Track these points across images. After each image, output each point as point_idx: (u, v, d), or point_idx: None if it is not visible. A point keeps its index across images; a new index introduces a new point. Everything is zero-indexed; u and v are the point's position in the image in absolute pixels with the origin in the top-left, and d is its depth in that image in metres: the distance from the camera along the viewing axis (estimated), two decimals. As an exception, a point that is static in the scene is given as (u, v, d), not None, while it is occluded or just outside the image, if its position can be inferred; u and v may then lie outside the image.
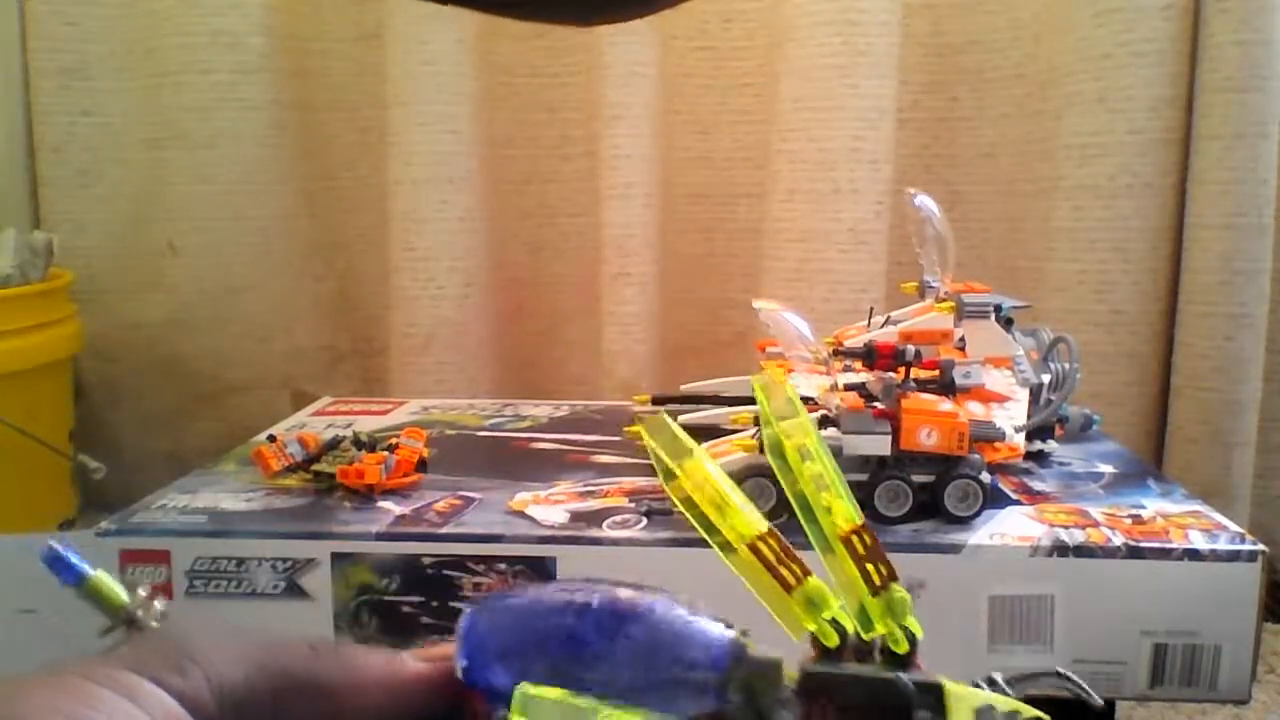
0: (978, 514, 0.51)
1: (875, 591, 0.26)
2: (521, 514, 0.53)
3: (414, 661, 0.27)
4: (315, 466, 0.58)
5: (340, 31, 0.98)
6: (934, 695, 0.24)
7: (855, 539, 0.26)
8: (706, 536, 0.27)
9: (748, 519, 0.27)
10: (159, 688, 0.23)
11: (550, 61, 0.96)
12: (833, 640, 0.25)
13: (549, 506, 0.54)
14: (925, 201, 0.63)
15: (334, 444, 0.61)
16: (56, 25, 0.96)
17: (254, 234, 0.98)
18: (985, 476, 0.51)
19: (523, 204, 0.99)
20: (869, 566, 0.26)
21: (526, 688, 0.23)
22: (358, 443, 0.61)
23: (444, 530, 0.51)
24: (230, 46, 0.95)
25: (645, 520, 0.52)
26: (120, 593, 0.27)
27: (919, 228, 0.63)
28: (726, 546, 0.27)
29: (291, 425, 0.71)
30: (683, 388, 0.66)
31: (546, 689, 0.23)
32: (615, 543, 0.50)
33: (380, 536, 0.51)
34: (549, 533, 0.51)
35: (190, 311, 0.98)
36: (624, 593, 0.25)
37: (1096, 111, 0.83)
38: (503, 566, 0.50)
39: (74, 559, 0.27)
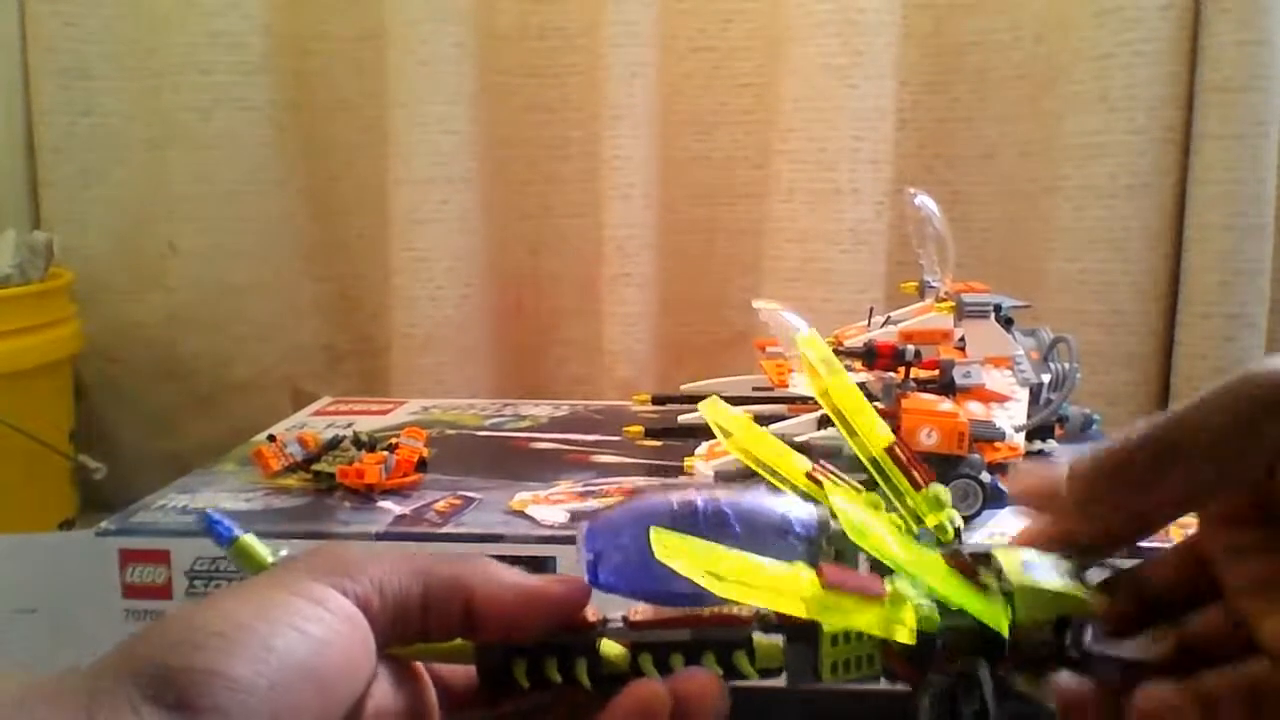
0: (977, 514, 0.51)
1: (919, 488, 0.31)
2: (521, 514, 0.53)
3: (545, 579, 0.30)
4: (315, 466, 0.58)
5: (341, 32, 0.98)
6: (988, 558, 0.30)
7: (896, 449, 0.32)
8: (849, 439, 0.32)
9: (883, 429, 0.32)
10: (337, 591, 0.26)
11: (550, 62, 0.96)
12: (949, 537, 0.30)
13: (549, 506, 0.54)
14: (925, 201, 0.63)
15: (334, 444, 0.61)
16: (56, 25, 0.96)
17: (254, 234, 0.98)
18: (985, 476, 0.51)
19: (523, 204, 0.99)
20: (912, 471, 0.32)
21: (659, 531, 0.26)
22: (358, 442, 0.61)
23: (444, 530, 0.51)
24: (230, 47, 0.95)
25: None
26: (265, 555, 0.31)
27: (919, 228, 0.63)
28: (864, 448, 0.32)
29: (291, 425, 0.71)
30: (683, 387, 0.66)
31: (677, 535, 0.26)
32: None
33: (380, 536, 0.51)
34: (549, 532, 0.51)
35: (190, 311, 0.98)
36: (721, 491, 0.29)
37: (1097, 111, 0.83)
38: (503, 566, 0.50)
39: (226, 522, 0.31)
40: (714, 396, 0.34)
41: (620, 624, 0.30)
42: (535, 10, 0.95)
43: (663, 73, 0.93)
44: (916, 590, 0.28)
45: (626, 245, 0.92)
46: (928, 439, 0.51)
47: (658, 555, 0.26)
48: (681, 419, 0.62)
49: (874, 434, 0.32)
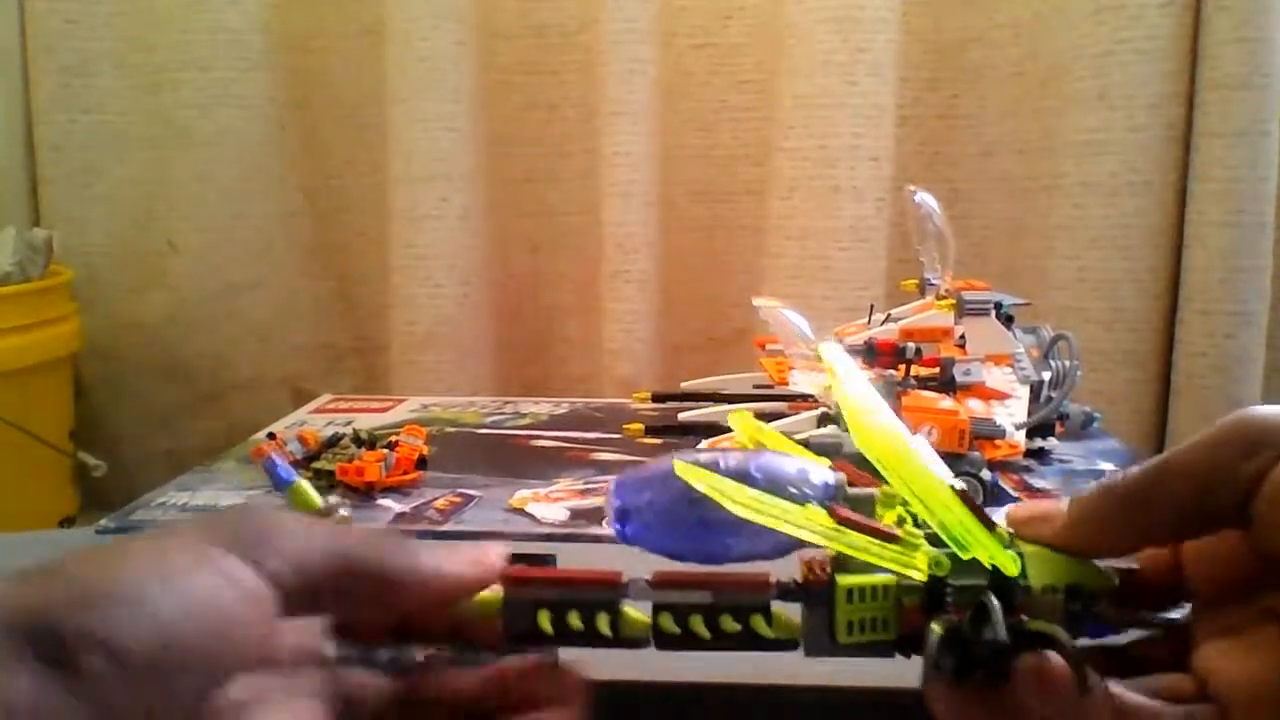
0: (978, 511, 0.51)
1: (991, 529, 0.30)
2: (521, 511, 0.53)
3: (466, 564, 0.30)
4: (315, 464, 0.58)
5: (340, 29, 0.98)
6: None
7: (964, 497, 0.31)
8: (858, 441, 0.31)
9: (901, 430, 0.31)
10: (246, 564, 0.26)
11: (550, 59, 0.96)
12: (1013, 569, 0.30)
13: (549, 504, 0.54)
14: (925, 199, 0.63)
15: (334, 441, 0.61)
16: (56, 23, 0.96)
17: (254, 232, 0.98)
18: (986, 474, 0.51)
19: (523, 202, 0.98)
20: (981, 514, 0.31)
21: (684, 461, 0.27)
22: (357, 440, 0.61)
23: (444, 528, 0.51)
24: (230, 44, 0.95)
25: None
26: (316, 499, 0.33)
27: (919, 225, 0.63)
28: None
29: (291, 423, 0.71)
30: (683, 385, 0.66)
31: (699, 469, 0.27)
32: (615, 542, 0.50)
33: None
34: (549, 530, 0.51)
35: (190, 310, 0.98)
36: (741, 453, 0.30)
37: (1097, 109, 0.83)
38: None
39: (285, 466, 0.33)
40: (743, 410, 0.35)
41: (643, 583, 0.30)
42: (535, 8, 0.95)
43: (663, 70, 0.93)
44: (934, 539, 0.29)
45: (626, 243, 0.92)
46: (928, 436, 0.51)
47: (678, 471, 0.27)
48: (682, 416, 0.62)
49: (887, 434, 0.31)
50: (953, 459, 0.51)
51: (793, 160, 0.89)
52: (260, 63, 0.96)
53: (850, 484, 0.31)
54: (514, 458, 0.63)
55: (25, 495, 0.85)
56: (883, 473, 0.29)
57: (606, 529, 0.52)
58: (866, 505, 0.30)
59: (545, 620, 0.30)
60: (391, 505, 0.54)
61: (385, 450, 0.58)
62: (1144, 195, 0.83)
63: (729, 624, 0.29)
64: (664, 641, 0.30)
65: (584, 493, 0.56)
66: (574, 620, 0.30)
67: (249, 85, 0.96)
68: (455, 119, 0.92)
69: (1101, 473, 0.59)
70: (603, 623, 0.30)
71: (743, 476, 0.29)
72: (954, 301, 0.60)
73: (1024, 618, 0.28)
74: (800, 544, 0.29)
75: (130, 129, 0.98)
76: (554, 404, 0.77)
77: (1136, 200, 0.83)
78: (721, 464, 0.29)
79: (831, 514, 0.28)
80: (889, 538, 0.29)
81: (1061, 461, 0.61)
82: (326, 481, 0.57)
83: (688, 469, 0.27)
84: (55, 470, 0.89)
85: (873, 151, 0.87)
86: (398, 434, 0.61)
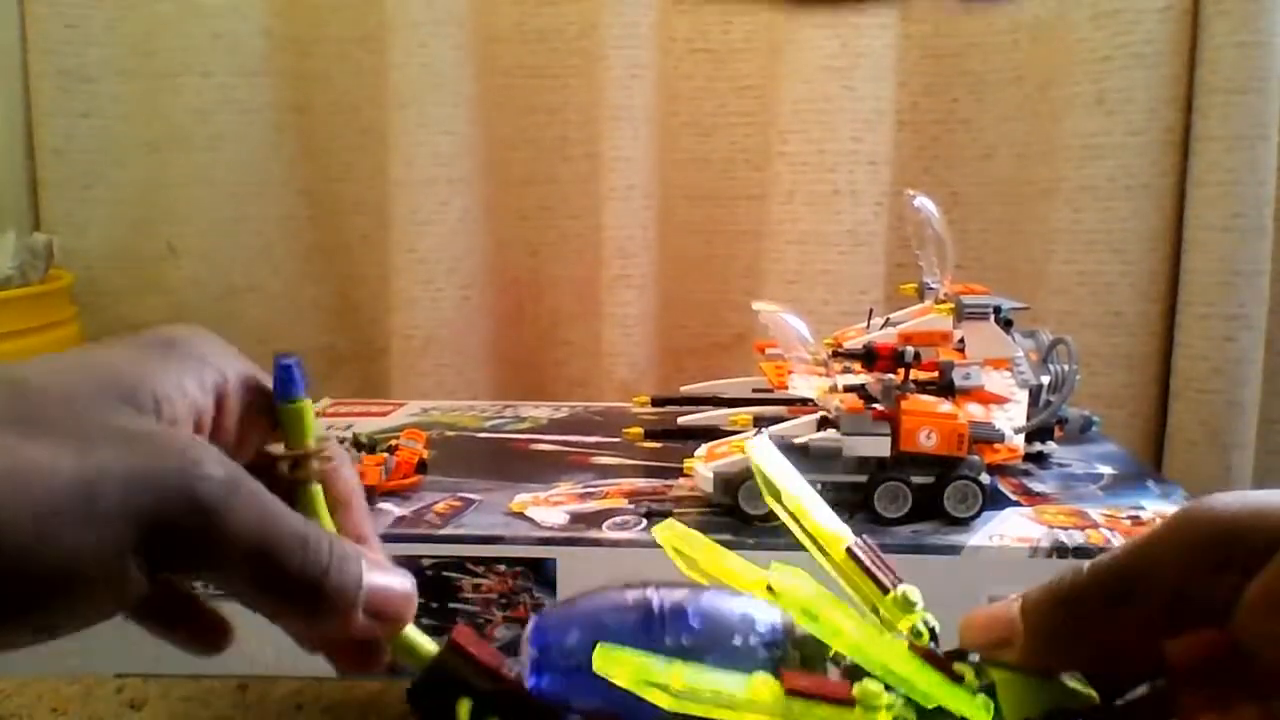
0: (977, 515, 0.51)
1: (886, 591, 0.29)
2: (521, 515, 0.53)
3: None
4: (315, 468, 0.58)
5: (340, 33, 0.98)
6: (962, 654, 0.28)
7: (856, 550, 0.29)
8: (808, 547, 0.30)
9: (839, 527, 0.30)
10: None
11: (550, 63, 0.96)
12: (924, 641, 0.28)
13: (549, 508, 0.54)
14: (924, 203, 0.63)
15: (334, 445, 0.61)
16: (56, 27, 0.96)
17: (254, 236, 0.98)
18: (985, 478, 0.52)
19: (523, 206, 0.99)
20: (875, 572, 0.29)
21: (606, 647, 0.25)
22: (357, 444, 0.61)
23: (444, 532, 0.51)
24: (230, 49, 0.95)
25: (645, 521, 0.52)
26: (309, 435, 0.30)
27: (918, 229, 0.63)
28: (824, 553, 0.30)
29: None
30: (682, 389, 0.66)
31: (624, 651, 0.25)
32: (615, 544, 0.50)
33: (380, 538, 0.51)
34: (549, 534, 0.51)
35: (190, 313, 0.98)
36: (678, 591, 0.27)
37: (1095, 113, 0.83)
38: (502, 568, 0.50)
39: (300, 381, 0.30)
40: (670, 520, 0.31)
41: None
42: (535, 12, 0.96)
43: (662, 74, 0.93)
44: (889, 693, 0.26)
45: (626, 247, 0.92)
46: (927, 440, 0.51)
47: (596, 667, 0.24)
48: (681, 421, 0.62)
49: (829, 535, 0.30)
50: (951, 463, 0.51)
51: (792, 165, 0.89)
52: (261, 67, 0.96)
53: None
54: (514, 462, 0.63)
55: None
56: (818, 633, 0.26)
57: (607, 533, 0.53)
58: (819, 649, 0.27)
59: (464, 712, 0.27)
60: (392, 509, 0.54)
61: (385, 454, 0.58)
62: (1143, 199, 0.83)
63: None
64: None
65: (584, 497, 0.56)
66: None
67: (250, 90, 0.96)
68: (455, 123, 0.92)
69: (1100, 476, 0.59)
70: None
71: (679, 625, 0.26)
72: (953, 306, 0.60)
73: None
74: None
75: (131, 133, 0.98)
76: (554, 408, 0.77)
77: (1135, 204, 0.83)
78: (656, 604, 0.26)
79: (783, 682, 0.25)
80: (846, 702, 0.26)
81: (1060, 465, 0.61)
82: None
83: (610, 659, 0.24)
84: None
85: (871, 156, 0.88)
86: (398, 438, 0.61)
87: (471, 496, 0.56)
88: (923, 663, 0.27)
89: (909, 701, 0.27)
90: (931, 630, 0.29)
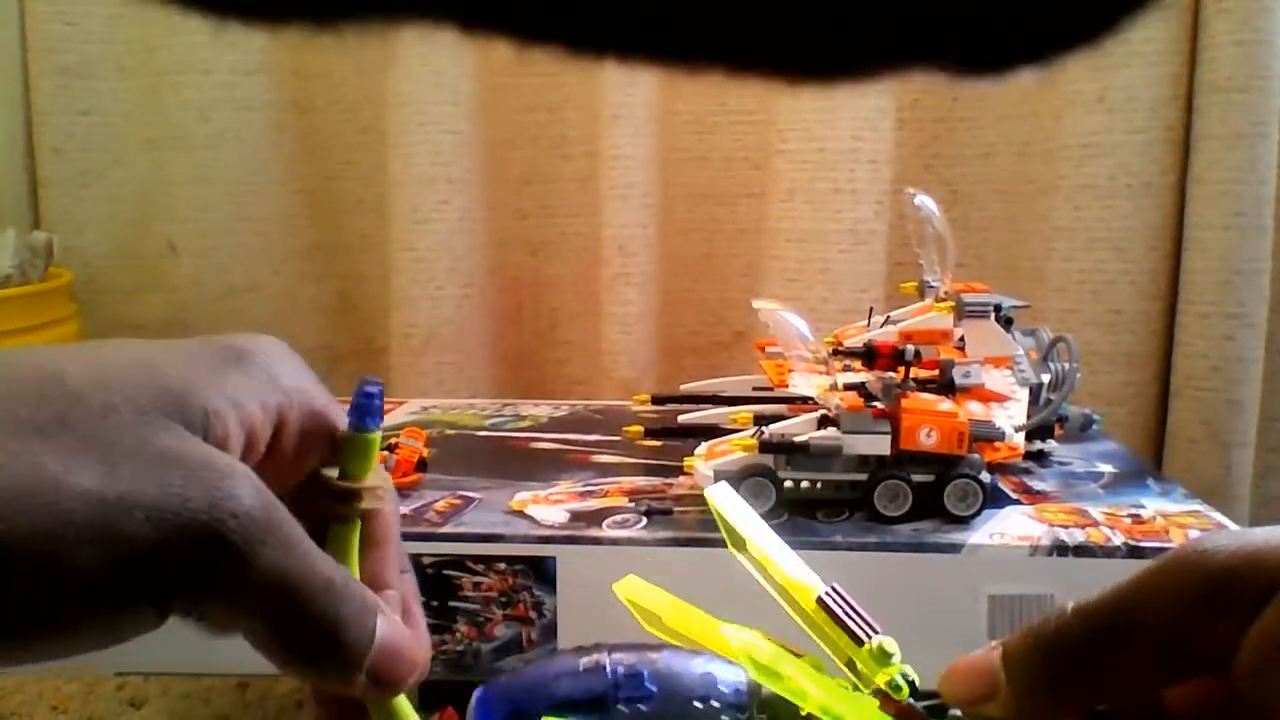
0: (977, 514, 0.51)
1: (861, 644, 0.27)
2: (521, 514, 0.53)
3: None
4: (315, 466, 0.58)
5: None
6: (942, 710, 0.26)
7: (828, 599, 0.27)
8: (778, 597, 0.28)
9: (810, 579, 0.28)
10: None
11: (550, 61, 0.96)
12: (903, 695, 0.26)
13: (549, 506, 0.54)
14: (925, 201, 0.63)
15: (334, 444, 0.61)
16: (56, 25, 0.96)
17: (254, 234, 0.98)
18: (985, 476, 0.51)
19: (523, 204, 0.98)
20: (849, 624, 0.27)
21: None
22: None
23: (444, 530, 0.51)
24: (230, 46, 0.95)
25: (645, 520, 0.52)
26: (371, 470, 0.28)
27: (918, 227, 0.63)
28: (794, 604, 0.28)
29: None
30: (682, 388, 0.66)
31: None
32: (615, 542, 0.50)
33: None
34: (549, 532, 0.51)
35: (190, 312, 0.98)
36: (634, 654, 0.25)
37: (1096, 111, 0.83)
38: (503, 566, 0.50)
39: (378, 412, 0.28)
40: (630, 576, 0.29)
41: None
42: (535, 10, 0.95)
43: (662, 72, 0.93)
44: None
45: (626, 245, 0.92)
46: (927, 439, 0.51)
47: None
48: (681, 419, 0.62)
49: (798, 586, 0.28)
50: (952, 461, 0.51)
51: (792, 163, 0.89)
52: (261, 65, 0.96)
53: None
54: (514, 460, 0.63)
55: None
56: (780, 691, 0.25)
57: (607, 531, 0.53)
58: (789, 710, 0.26)
59: None
60: (391, 507, 0.54)
61: (385, 452, 0.58)
62: (1143, 198, 0.83)
63: None
64: None
65: (584, 495, 0.56)
66: None
67: (249, 88, 0.96)
68: (455, 121, 0.92)
69: (1101, 474, 0.59)
70: None
71: (634, 691, 0.24)
72: (953, 304, 0.60)
73: None
74: None
75: (131, 131, 0.98)
76: (554, 406, 0.77)
77: (1135, 202, 0.83)
78: (609, 669, 0.25)
79: None
80: None
81: (1061, 464, 0.61)
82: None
83: None
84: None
85: (872, 154, 0.87)
86: (398, 436, 0.61)
87: (471, 495, 0.56)
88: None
89: None
90: (911, 684, 0.27)
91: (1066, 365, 0.61)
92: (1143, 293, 0.84)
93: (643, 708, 0.24)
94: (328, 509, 0.27)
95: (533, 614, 0.50)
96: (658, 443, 0.61)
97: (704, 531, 0.50)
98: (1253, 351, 0.80)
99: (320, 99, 0.98)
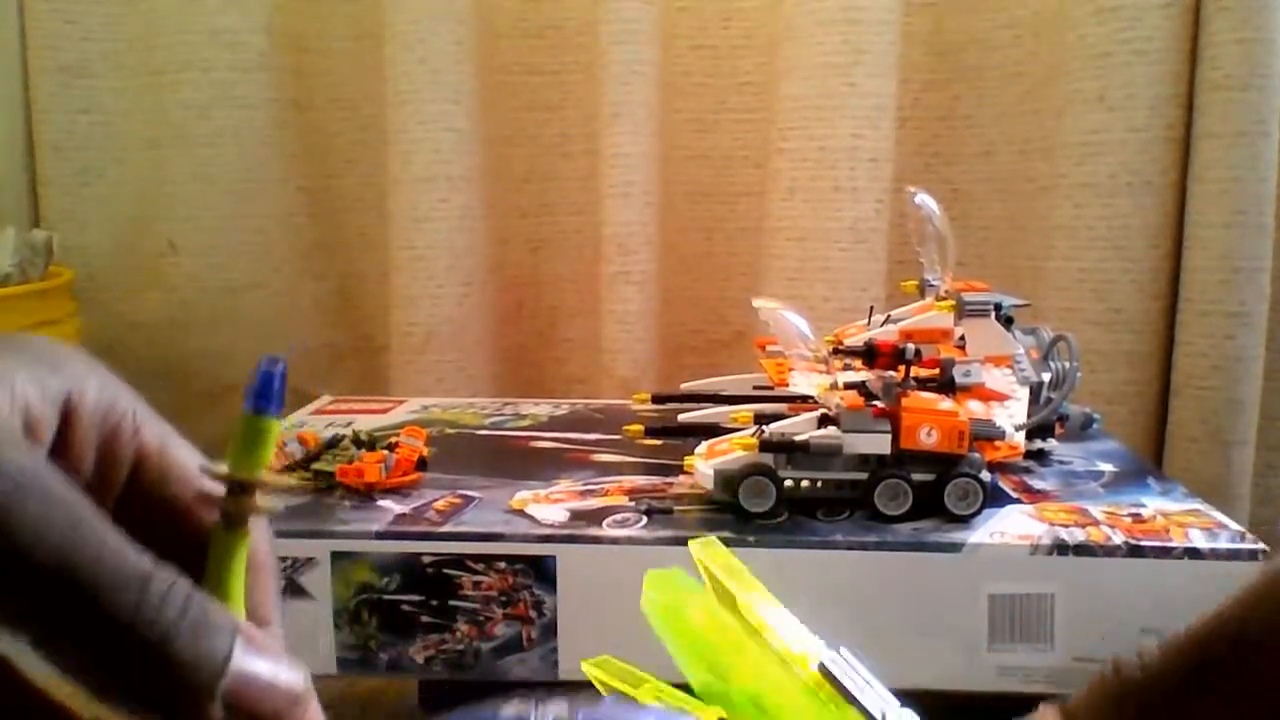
0: (978, 513, 0.51)
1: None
2: (521, 513, 0.53)
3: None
4: (314, 465, 0.58)
5: (340, 30, 0.98)
6: None
7: (832, 666, 0.24)
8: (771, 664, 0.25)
9: (807, 647, 0.26)
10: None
11: (550, 60, 0.96)
12: None
13: (549, 505, 0.54)
14: (925, 200, 0.63)
15: (333, 442, 0.61)
16: (56, 23, 0.96)
17: (254, 233, 0.98)
18: (985, 475, 0.51)
19: (523, 202, 0.98)
20: (857, 695, 0.24)
21: None
22: (357, 441, 0.61)
23: (444, 529, 0.51)
24: (230, 45, 0.95)
25: (645, 519, 0.52)
26: (265, 464, 0.23)
27: (919, 226, 0.63)
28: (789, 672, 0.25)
29: (291, 424, 0.71)
30: (683, 386, 0.66)
31: None
32: (615, 541, 0.50)
33: (380, 535, 0.51)
34: (549, 531, 0.51)
35: (190, 310, 0.98)
36: (562, 704, 0.23)
37: (1096, 109, 0.83)
38: (503, 565, 0.50)
39: (278, 393, 0.24)
40: (604, 658, 0.26)
41: None
42: (535, 8, 0.95)
43: (662, 71, 0.93)
44: None
45: (627, 243, 0.92)
46: (928, 438, 0.51)
47: None
48: (682, 418, 0.62)
49: (795, 656, 0.25)
50: (952, 460, 0.51)
51: (792, 161, 0.89)
52: (261, 63, 0.96)
53: None
54: (514, 459, 0.63)
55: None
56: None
57: (607, 530, 0.53)
58: None
59: None
60: (391, 506, 0.54)
61: (385, 451, 0.58)
62: (1144, 196, 0.83)
63: None
64: None
65: (584, 494, 0.56)
66: None
67: (249, 86, 0.96)
68: (455, 119, 0.92)
69: (1101, 473, 0.59)
70: None
71: None
72: (954, 303, 0.60)
73: None
74: None
75: (130, 129, 0.98)
76: (554, 405, 0.77)
77: (1136, 201, 0.83)
78: None
79: None
80: None
81: (1061, 463, 0.61)
82: (326, 483, 0.57)
83: None
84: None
85: (872, 152, 0.87)
86: (398, 435, 0.61)
87: (471, 494, 0.56)
88: (824, 698, 0.23)
89: None
90: None
91: (1067, 364, 0.61)
92: (1143, 291, 0.84)
93: None
94: (213, 510, 0.23)
95: (533, 613, 0.50)
96: (658, 442, 0.61)
97: (704, 530, 0.50)
98: (1253, 350, 0.80)
99: (320, 97, 0.98)
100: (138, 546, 0.20)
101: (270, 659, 0.21)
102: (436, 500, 0.55)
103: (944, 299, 0.60)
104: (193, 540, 0.23)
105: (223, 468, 0.24)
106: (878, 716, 0.22)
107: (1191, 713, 0.22)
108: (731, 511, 0.52)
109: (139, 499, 0.24)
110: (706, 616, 0.24)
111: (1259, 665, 0.22)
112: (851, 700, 0.23)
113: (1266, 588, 0.23)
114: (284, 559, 0.50)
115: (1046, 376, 0.61)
